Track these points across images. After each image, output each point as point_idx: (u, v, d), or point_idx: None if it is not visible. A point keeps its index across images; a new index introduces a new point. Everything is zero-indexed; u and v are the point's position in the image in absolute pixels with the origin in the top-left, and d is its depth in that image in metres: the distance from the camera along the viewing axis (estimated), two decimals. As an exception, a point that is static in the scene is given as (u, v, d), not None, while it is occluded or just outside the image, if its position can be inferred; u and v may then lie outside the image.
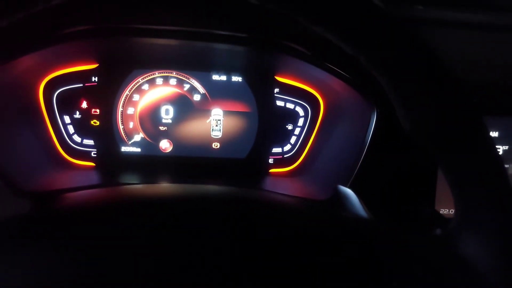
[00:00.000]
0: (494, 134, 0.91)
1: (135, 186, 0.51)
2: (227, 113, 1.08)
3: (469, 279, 0.41)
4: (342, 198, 0.62)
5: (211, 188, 0.52)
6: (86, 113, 1.04)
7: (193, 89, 1.06)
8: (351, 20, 0.36)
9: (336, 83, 0.94)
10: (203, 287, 0.38)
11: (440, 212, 0.87)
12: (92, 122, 1.04)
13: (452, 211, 0.91)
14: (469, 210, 0.40)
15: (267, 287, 0.40)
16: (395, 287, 0.43)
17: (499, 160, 0.39)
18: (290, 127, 1.12)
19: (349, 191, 0.63)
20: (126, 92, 1.04)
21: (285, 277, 0.41)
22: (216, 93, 1.07)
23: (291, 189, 1.02)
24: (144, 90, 1.05)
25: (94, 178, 1.01)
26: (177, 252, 0.39)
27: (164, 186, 0.53)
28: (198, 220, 0.42)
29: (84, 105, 1.04)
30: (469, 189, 0.40)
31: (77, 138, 1.05)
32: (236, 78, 1.07)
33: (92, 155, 1.06)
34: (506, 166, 0.94)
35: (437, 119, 0.38)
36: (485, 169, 0.38)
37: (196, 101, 1.06)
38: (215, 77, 1.07)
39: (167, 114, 1.06)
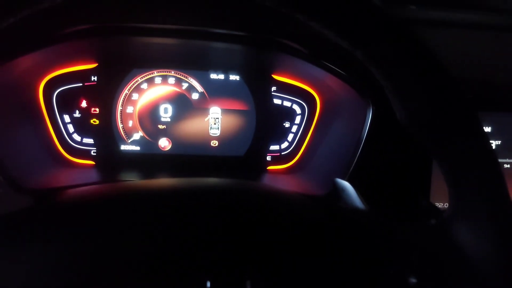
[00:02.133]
0: (487, 129, 0.93)
1: (136, 181, 0.52)
2: (225, 111, 1.09)
3: (464, 266, 0.42)
4: (339, 191, 0.64)
5: (210, 180, 0.52)
6: (85, 112, 1.05)
7: (191, 88, 1.07)
8: (347, 15, 0.37)
9: (332, 81, 0.96)
10: (204, 277, 0.39)
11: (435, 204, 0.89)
12: (91, 121, 1.05)
13: (447, 205, 0.93)
14: (463, 199, 0.42)
15: (268, 276, 0.41)
16: (391, 274, 0.44)
17: (492, 151, 0.40)
18: (287, 124, 1.14)
19: (346, 184, 0.64)
20: (125, 91, 1.05)
21: (285, 268, 0.42)
22: (214, 91, 1.08)
23: (289, 186, 1.03)
24: (143, 89, 1.06)
25: (94, 176, 1.02)
26: (178, 244, 0.40)
27: (164, 180, 0.53)
28: (198, 212, 0.42)
29: (84, 104, 1.05)
30: (463, 179, 0.41)
31: (76, 137, 1.06)
32: (234, 77, 1.08)
33: (92, 153, 1.07)
34: (500, 160, 0.95)
35: (432, 111, 0.39)
36: (478, 159, 0.40)
37: (195, 100, 1.08)
38: (213, 76, 1.08)
39: (166, 112, 1.07)
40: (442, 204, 0.91)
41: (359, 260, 0.44)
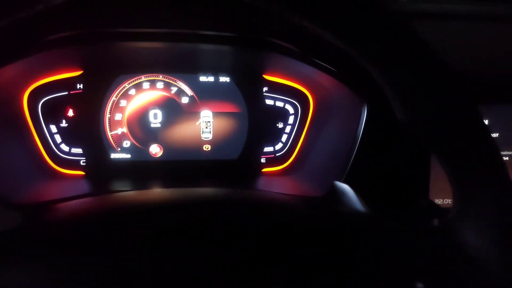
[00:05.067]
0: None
1: (127, 193, 0.50)
2: (216, 114, 1.07)
3: (469, 268, 0.41)
4: (338, 194, 0.62)
5: (204, 191, 0.51)
6: (72, 121, 1.02)
7: (180, 92, 1.05)
8: (342, 14, 0.36)
9: (325, 79, 0.94)
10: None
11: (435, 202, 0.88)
12: (79, 130, 1.02)
13: (446, 201, 0.92)
14: (469, 199, 0.40)
15: (268, 285, 0.40)
16: (398, 278, 0.43)
17: (497, 149, 0.39)
18: (280, 125, 1.12)
19: (345, 186, 0.63)
20: (113, 98, 1.02)
21: (285, 274, 0.40)
22: (205, 94, 1.06)
23: (285, 188, 1.01)
24: (131, 95, 1.03)
25: (84, 187, 0.99)
26: (174, 257, 0.39)
27: (156, 192, 0.52)
28: (193, 224, 0.41)
29: (70, 113, 1.02)
30: (468, 179, 0.40)
31: (64, 147, 1.03)
32: (224, 79, 1.06)
33: (81, 163, 1.04)
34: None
35: (433, 110, 0.37)
36: (482, 157, 0.38)
37: (185, 104, 1.05)
38: (203, 78, 1.06)
39: (156, 118, 1.05)
40: (441, 200, 0.91)
41: (363, 265, 0.42)
